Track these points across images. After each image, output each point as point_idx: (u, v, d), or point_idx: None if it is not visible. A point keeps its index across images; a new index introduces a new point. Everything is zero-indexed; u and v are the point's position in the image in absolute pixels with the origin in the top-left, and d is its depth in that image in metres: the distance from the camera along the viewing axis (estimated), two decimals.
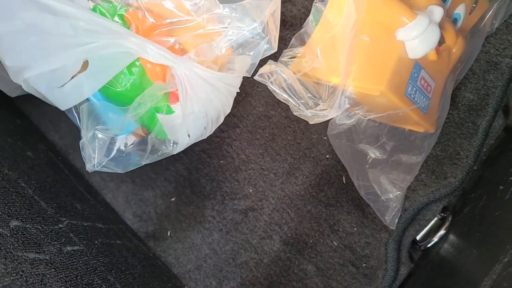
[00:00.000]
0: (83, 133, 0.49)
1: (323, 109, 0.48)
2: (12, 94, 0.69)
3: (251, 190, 0.69)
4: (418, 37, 0.48)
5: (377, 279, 0.63)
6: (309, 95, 0.50)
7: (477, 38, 0.60)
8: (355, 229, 0.65)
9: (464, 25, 0.57)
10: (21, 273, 0.38)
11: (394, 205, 0.59)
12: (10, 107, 0.74)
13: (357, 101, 0.49)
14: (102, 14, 0.45)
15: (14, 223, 0.43)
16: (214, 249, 0.69)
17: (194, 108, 0.48)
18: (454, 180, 0.62)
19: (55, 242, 0.47)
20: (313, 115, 0.48)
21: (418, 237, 0.64)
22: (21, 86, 0.66)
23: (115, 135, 0.50)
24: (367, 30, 0.49)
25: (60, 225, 0.51)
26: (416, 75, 0.52)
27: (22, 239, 0.42)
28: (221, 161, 0.71)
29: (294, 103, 0.49)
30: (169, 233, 0.70)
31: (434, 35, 0.49)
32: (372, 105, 0.50)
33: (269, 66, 0.50)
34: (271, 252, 0.67)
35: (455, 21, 0.55)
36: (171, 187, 0.72)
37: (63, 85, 0.45)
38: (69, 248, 0.48)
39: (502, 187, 0.51)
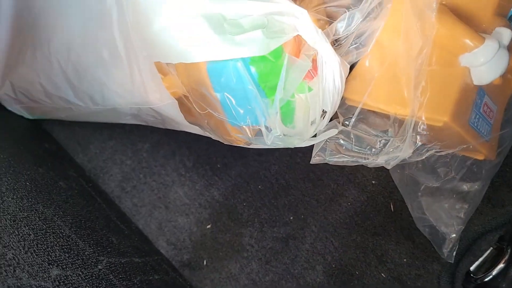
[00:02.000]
0: None
1: (395, 147, 0.44)
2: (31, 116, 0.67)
3: (291, 217, 0.66)
4: (486, 63, 0.44)
5: None
6: (374, 133, 0.46)
7: None
8: (404, 260, 0.61)
9: None
10: None
11: (452, 236, 0.56)
12: (38, 131, 0.72)
13: (429, 137, 0.45)
14: None
15: (55, 271, 0.40)
16: (253, 279, 0.65)
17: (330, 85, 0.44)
18: None
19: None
20: (387, 161, 0.44)
21: (471, 268, 0.60)
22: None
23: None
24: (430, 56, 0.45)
25: (99, 267, 0.48)
26: (479, 101, 0.48)
27: None
28: (259, 186, 0.67)
29: (363, 160, 0.45)
30: (205, 262, 0.67)
31: (503, 61, 0.45)
32: (439, 137, 0.46)
33: (319, 149, 0.47)
34: (314, 283, 0.63)
35: None
36: (207, 213, 0.69)
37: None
38: None
39: None
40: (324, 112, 0.46)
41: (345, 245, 0.63)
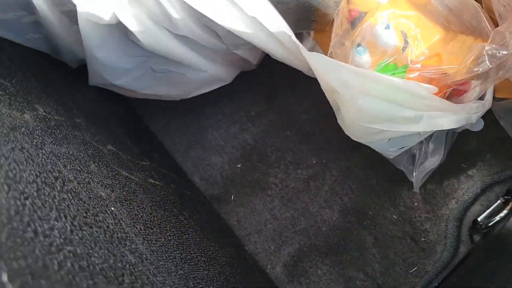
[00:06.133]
0: None
1: None
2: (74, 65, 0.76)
3: (314, 161, 0.72)
4: None
5: (435, 254, 0.63)
6: None
7: None
8: (415, 204, 0.66)
9: None
10: (118, 180, 0.42)
11: None
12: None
13: None
14: None
15: (109, 147, 0.49)
16: (274, 215, 0.72)
17: None
18: None
19: (141, 172, 0.51)
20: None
21: (479, 219, 0.64)
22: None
23: None
24: None
25: (144, 163, 0.56)
26: None
27: (117, 159, 0.47)
28: (287, 133, 0.74)
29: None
30: (232, 197, 0.74)
31: None
32: None
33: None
34: (330, 221, 0.69)
35: None
36: (238, 154, 0.76)
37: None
38: (151, 181, 0.52)
39: None
40: None
41: (362, 188, 0.69)
